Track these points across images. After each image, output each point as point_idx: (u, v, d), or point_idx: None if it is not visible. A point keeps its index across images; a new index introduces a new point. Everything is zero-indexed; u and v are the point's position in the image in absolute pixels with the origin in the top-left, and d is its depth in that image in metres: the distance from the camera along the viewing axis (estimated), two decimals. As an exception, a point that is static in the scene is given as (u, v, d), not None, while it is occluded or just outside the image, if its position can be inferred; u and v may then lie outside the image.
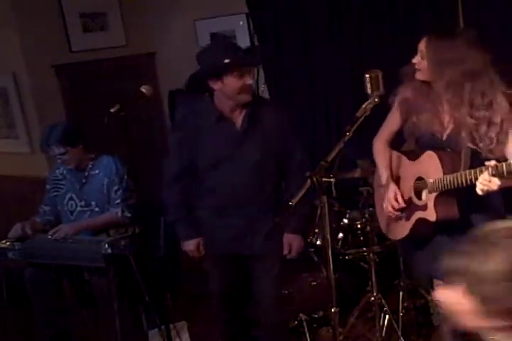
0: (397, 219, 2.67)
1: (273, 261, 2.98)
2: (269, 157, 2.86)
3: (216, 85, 2.70)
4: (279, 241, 2.95)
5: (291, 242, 2.94)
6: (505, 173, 2.08)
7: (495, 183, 2.11)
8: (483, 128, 2.35)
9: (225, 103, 2.79)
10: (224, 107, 2.80)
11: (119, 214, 3.45)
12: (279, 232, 2.94)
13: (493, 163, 2.11)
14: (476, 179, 2.17)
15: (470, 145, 2.37)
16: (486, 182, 2.13)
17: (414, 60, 2.45)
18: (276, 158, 2.89)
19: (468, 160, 2.39)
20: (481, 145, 2.35)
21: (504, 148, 2.35)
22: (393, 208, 2.59)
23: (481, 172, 2.15)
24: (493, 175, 2.10)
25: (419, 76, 2.46)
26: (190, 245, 3.05)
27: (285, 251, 2.94)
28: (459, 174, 2.27)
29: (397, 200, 2.57)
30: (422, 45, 2.43)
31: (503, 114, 2.34)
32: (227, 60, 2.61)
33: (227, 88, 2.69)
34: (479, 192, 2.16)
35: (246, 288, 3.14)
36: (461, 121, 2.37)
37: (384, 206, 2.64)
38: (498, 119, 2.34)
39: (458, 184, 2.27)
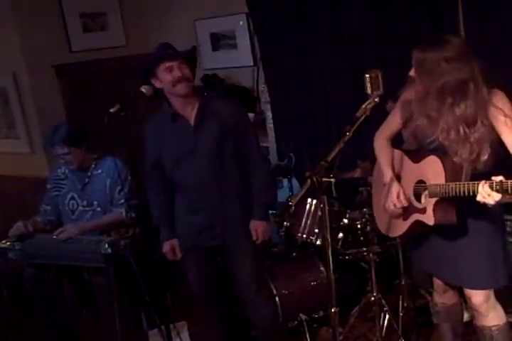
0: (395, 217, 2.67)
1: (246, 252, 3.07)
2: (227, 148, 2.98)
3: (157, 83, 2.89)
4: (248, 231, 3.06)
5: (257, 228, 3.05)
6: (509, 190, 2.07)
7: (493, 198, 2.12)
8: (461, 142, 2.37)
9: (174, 101, 2.94)
10: (176, 105, 2.95)
11: (124, 214, 3.45)
12: (249, 217, 3.06)
13: (499, 178, 2.10)
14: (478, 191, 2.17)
15: (456, 157, 2.39)
16: (485, 194, 2.13)
17: (411, 73, 2.46)
18: (235, 147, 3.00)
19: (469, 170, 2.38)
20: (462, 157, 2.38)
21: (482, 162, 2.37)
22: (395, 206, 2.59)
23: (484, 184, 2.14)
24: (497, 191, 2.10)
25: (416, 87, 2.47)
26: (165, 246, 3.13)
27: (254, 237, 3.05)
28: (461, 184, 2.26)
29: (399, 199, 2.57)
30: (412, 58, 2.44)
31: (482, 131, 2.36)
32: (155, 57, 2.89)
33: (164, 83, 2.87)
34: (478, 199, 2.17)
35: (227, 286, 3.18)
36: (441, 133, 2.41)
37: (387, 204, 2.63)
38: (475, 135, 2.36)
39: (459, 193, 2.26)
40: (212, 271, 3.18)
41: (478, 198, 2.16)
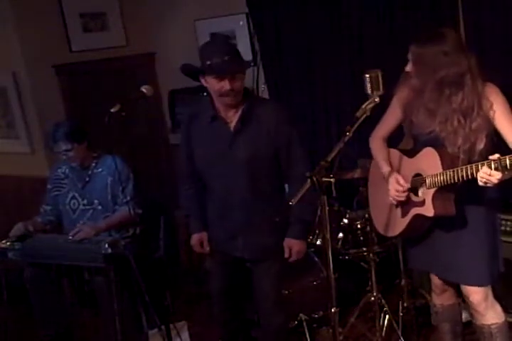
0: (395, 211, 2.67)
1: (271, 263, 2.97)
2: (264, 158, 2.80)
3: (204, 83, 2.73)
4: (274, 246, 2.92)
5: (291, 247, 2.89)
6: (508, 166, 2.09)
7: (495, 177, 2.14)
8: (456, 132, 2.42)
9: (218, 103, 2.78)
10: (219, 106, 2.79)
11: (131, 211, 3.42)
12: (278, 234, 2.91)
13: (496, 156, 2.13)
14: (477, 172, 2.19)
15: (450, 148, 2.43)
16: (486, 175, 2.16)
17: (407, 68, 2.50)
18: (275, 159, 2.83)
19: (466, 157, 2.41)
20: (456, 147, 2.42)
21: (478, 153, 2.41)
22: (398, 192, 2.57)
23: (482, 165, 2.17)
24: (496, 169, 2.12)
25: (413, 82, 2.51)
26: (192, 239, 3.06)
27: (286, 255, 2.90)
28: (459, 169, 2.29)
29: (399, 184, 2.57)
30: (409, 52, 2.48)
31: (478, 122, 2.40)
32: (208, 62, 2.63)
33: (210, 88, 2.72)
34: (480, 183, 2.20)
35: (246, 289, 3.14)
36: (439, 124, 2.45)
37: (390, 193, 2.62)
38: (472, 126, 2.40)
39: (458, 178, 2.29)
40: (232, 272, 3.10)
41: (480, 177, 2.17)
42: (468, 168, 2.24)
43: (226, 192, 2.85)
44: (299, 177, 2.70)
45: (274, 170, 2.86)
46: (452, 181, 2.32)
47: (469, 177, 2.24)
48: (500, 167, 2.11)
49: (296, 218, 2.87)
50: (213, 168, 2.84)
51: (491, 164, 2.14)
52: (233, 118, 2.79)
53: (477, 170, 2.20)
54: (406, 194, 2.57)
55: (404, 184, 2.56)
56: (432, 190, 2.42)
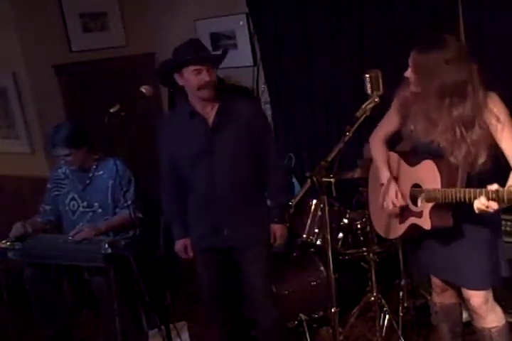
0: (394, 216, 2.68)
1: (258, 252, 3.04)
2: (243, 150, 2.93)
3: (180, 81, 2.84)
4: (259, 234, 3.04)
5: (275, 231, 3.06)
6: (505, 200, 2.08)
7: (492, 208, 2.14)
8: (457, 143, 2.38)
9: (194, 100, 2.89)
10: (195, 103, 2.89)
11: (132, 215, 3.42)
12: (261, 223, 3.04)
13: (494, 187, 2.11)
14: (475, 198, 2.18)
15: (452, 158, 2.40)
16: (483, 206, 2.15)
17: (406, 74, 2.46)
18: (253, 151, 2.96)
19: (465, 174, 2.39)
20: (457, 158, 2.39)
21: (477, 164, 2.38)
22: (395, 205, 2.60)
23: (481, 194, 2.16)
24: (493, 199, 2.11)
25: (411, 88, 2.48)
26: (177, 245, 3.14)
27: (272, 240, 3.07)
28: (457, 190, 2.28)
29: (398, 198, 2.59)
30: (410, 58, 2.44)
31: (479, 133, 2.36)
32: (187, 57, 2.78)
33: (188, 83, 2.82)
34: (476, 211, 2.20)
35: (237, 286, 3.16)
36: (440, 134, 2.42)
37: (385, 203, 2.64)
38: (473, 137, 2.37)
39: (455, 199, 2.28)
40: (221, 271, 3.15)
41: (477, 207, 2.18)
42: (467, 193, 2.22)
43: (209, 185, 2.94)
44: (274, 166, 3.04)
45: (253, 161, 2.98)
46: (449, 200, 2.31)
47: (466, 201, 2.23)
48: (497, 198, 2.10)
49: (275, 204, 3.07)
50: (196, 165, 2.93)
51: (488, 194, 2.12)
52: (210, 114, 2.90)
53: (475, 197, 2.18)
54: (398, 211, 2.60)
55: (401, 199, 2.58)
56: (430, 204, 2.42)
